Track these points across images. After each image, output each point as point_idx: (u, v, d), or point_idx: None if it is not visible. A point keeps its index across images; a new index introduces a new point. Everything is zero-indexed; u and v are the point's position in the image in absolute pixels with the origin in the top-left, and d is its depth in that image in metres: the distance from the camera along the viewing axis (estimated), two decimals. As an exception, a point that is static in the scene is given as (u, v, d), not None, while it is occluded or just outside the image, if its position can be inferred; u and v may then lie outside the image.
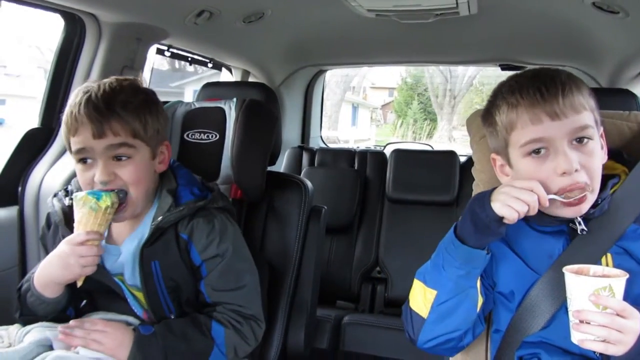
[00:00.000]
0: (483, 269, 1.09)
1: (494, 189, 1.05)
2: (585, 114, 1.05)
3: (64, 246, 1.20)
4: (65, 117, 1.24)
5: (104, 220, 1.20)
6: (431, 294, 1.09)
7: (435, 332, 1.11)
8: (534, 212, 1.01)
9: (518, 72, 1.15)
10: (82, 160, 1.23)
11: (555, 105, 1.03)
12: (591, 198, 1.05)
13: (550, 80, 1.05)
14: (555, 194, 1.03)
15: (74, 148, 1.23)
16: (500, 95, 1.11)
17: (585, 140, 1.05)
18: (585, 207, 1.05)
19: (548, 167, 1.04)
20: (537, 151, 1.06)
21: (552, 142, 1.04)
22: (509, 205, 1.00)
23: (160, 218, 1.27)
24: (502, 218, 1.01)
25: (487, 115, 1.15)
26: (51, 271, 1.21)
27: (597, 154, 1.06)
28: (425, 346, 1.13)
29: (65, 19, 1.80)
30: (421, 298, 1.11)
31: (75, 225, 1.21)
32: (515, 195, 1.00)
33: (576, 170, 1.02)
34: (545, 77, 1.06)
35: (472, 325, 1.13)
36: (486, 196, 1.04)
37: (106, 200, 1.19)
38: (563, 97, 1.03)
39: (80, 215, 1.20)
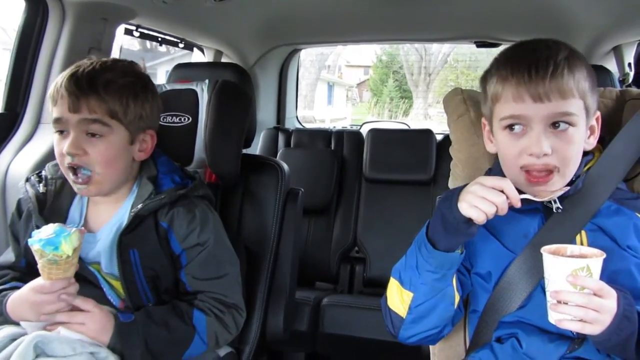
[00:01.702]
0: (458, 267, 1.09)
1: (463, 186, 1.02)
2: (572, 100, 1.03)
3: (32, 295, 1.13)
4: (51, 87, 1.24)
5: (69, 265, 1.13)
6: (408, 295, 1.08)
7: (415, 330, 1.12)
8: (502, 212, 0.97)
9: (525, 40, 1.11)
10: (60, 132, 1.23)
11: (540, 87, 1.01)
12: (559, 179, 1.05)
13: (544, 60, 1.02)
14: (521, 168, 1.05)
15: (52, 117, 1.23)
16: (496, 64, 1.10)
17: (565, 126, 1.03)
18: (551, 188, 1.05)
19: (521, 144, 1.04)
20: (512, 127, 1.06)
21: (530, 122, 1.03)
22: (475, 206, 0.97)
23: (140, 206, 1.24)
24: (470, 219, 0.99)
25: (482, 81, 1.14)
26: (24, 314, 1.16)
27: (576, 141, 1.05)
28: (406, 342, 1.14)
29: (27, -1, 1.73)
30: (398, 298, 1.10)
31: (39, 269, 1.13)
32: (482, 195, 0.97)
33: (546, 155, 1.02)
34: (541, 54, 1.03)
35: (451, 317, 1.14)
36: (454, 196, 1.01)
37: (66, 249, 1.10)
38: (550, 80, 1.01)
39: (40, 265, 1.12)
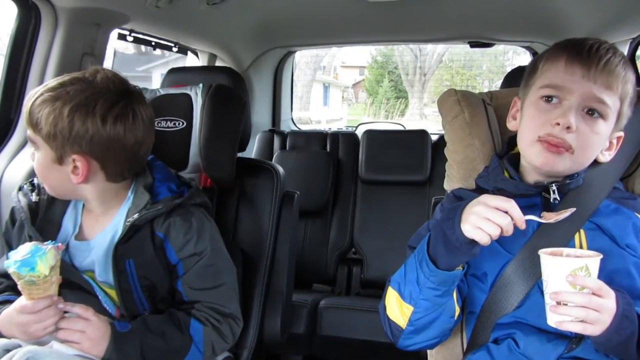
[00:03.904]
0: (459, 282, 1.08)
1: (465, 204, 1.00)
2: (613, 95, 1.05)
3: (17, 316, 1.12)
4: None
5: (49, 284, 1.10)
6: (408, 309, 1.07)
7: (414, 340, 1.11)
8: (507, 234, 0.96)
9: None
10: None
11: (593, 66, 1.04)
12: (568, 161, 1.06)
13: (605, 49, 1.06)
14: (538, 137, 1.06)
15: None
16: (554, 45, 1.13)
17: (596, 114, 1.05)
18: (559, 165, 1.06)
19: (550, 115, 1.06)
20: (549, 99, 1.08)
21: (568, 95, 1.06)
22: (479, 227, 0.95)
23: (136, 215, 1.22)
24: (473, 240, 0.97)
25: (531, 64, 1.17)
26: (14, 334, 1.15)
27: (600, 132, 1.07)
28: (405, 349, 1.14)
29: (19, 5, 1.72)
30: (398, 310, 1.10)
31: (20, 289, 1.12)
32: (486, 217, 0.95)
33: (568, 128, 1.03)
34: (602, 44, 1.07)
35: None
36: (456, 216, 0.99)
37: (42, 269, 1.07)
38: (604, 66, 1.04)
39: (20, 286, 1.10)
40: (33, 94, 1.19)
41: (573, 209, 1.02)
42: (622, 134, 1.13)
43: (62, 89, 1.17)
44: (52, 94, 1.16)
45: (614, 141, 1.13)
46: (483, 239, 0.95)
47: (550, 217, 1.01)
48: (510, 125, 1.21)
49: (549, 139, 1.05)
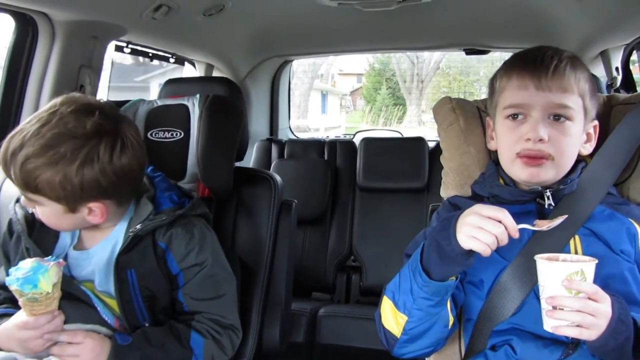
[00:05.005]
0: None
1: (459, 215, 1.01)
2: (572, 96, 1.09)
3: (17, 332, 1.11)
4: None
5: (51, 300, 1.09)
6: (402, 318, 1.08)
7: (409, 349, 1.12)
8: (502, 243, 0.96)
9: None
10: None
11: (543, 77, 1.08)
12: (551, 170, 1.09)
13: (550, 56, 1.10)
14: (516, 154, 1.09)
15: None
16: (504, 64, 1.18)
17: (562, 119, 1.09)
18: (543, 175, 1.09)
19: (520, 131, 1.10)
20: (515, 116, 1.12)
21: (530, 110, 1.09)
22: (474, 237, 0.96)
23: (139, 226, 1.22)
24: (469, 251, 0.98)
25: (490, 82, 1.22)
26: (13, 349, 1.15)
27: (573, 134, 1.10)
28: (401, 357, 1.15)
29: (16, 19, 1.74)
30: (392, 320, 1.10)
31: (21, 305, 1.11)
32: (479, 226, 0.95)
33: (541, 140, 1.06)
34: (547, 51, 1.12)
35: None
36: (451, 227, 1.00)
37: (45, 287, 1.06)
38: (553, 72, 1.08)
39: (21, 303, 1.09)
40: (14, 155, 1.11)
41: (565, 216, 1.03)
42: (596, 122, 1.17)
43: (53, 150, 1.10)
44: (46, 160, 1.10)
45: (591, 131, 1.16)
46: (480, 248, 0.96)
47: (543, 225, 1.02)
48: (490, 145, 1.24)
49: (527, 153, 1.09)
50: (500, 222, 0.95)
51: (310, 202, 2.75)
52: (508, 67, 1.15)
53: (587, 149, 1.16)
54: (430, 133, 3.18)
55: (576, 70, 1.10)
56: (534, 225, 1.02)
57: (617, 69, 2.32)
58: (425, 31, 2.71)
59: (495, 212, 0.96)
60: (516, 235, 0.96)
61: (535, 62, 1.10)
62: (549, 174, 1.09)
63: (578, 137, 1.12)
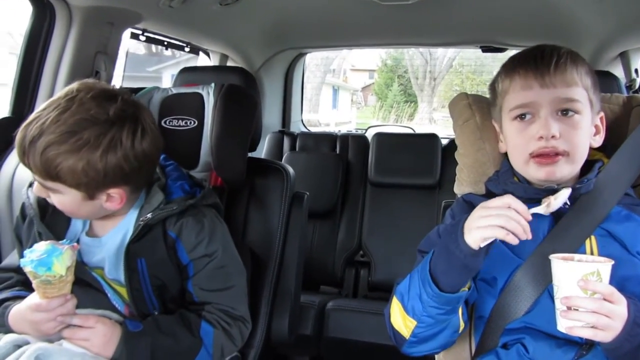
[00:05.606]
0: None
1: (465, 219, 1.00)
2: (577, 89, 1.09)
3: (29, 314, 1.11)
4: None
5: (64, 284, 1.10)
6: (411, 322, 1.07)
7: (418, 349, 1.12)
8: (518, 230, 0.93)
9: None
10: None
11: (546, 74, 1.08)
12: (567, 166, 1.08)
13: (549, 52, 1.10)
14: (530, 155, 1.09)
15: None
16: (504, 66, 1.18)
17: (571, 113, 1.09)
18: (559, 172, 1.08)
19: (530, 131, 1.09)
20: (522, 116, 1.11)
21: (538, 108, 1.09)
22: (485, 226, 0.94)
23: (149, 215, 1.22)
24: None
25: (491, 85, 1.22)
26: (25, 331, 1.15)
27: (584, 129, 1.10)
28: (410, 355, 1.14)
29: (34, 3, 1.74)
30: (401, 321, 1.09)
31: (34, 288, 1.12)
32: (488, 214, 0.95)
33: (553, 137, 1.06)
34: (546, 48, 1.11)
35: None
36: (459, 229, 0.98)
37: (59, 269, 1.07)
38: (555, 68, 1.08)
39: (35, 285, 1.10)
40: (33, 143, 1.09)
41: (569, 189, 1.04)
42: (602, 114, 1.17)
43: (76, 137, 1.09)
44: (68, 147, 1.09)
45: (598, 123, 1.16)
46: (495, 233, 0.94)
47: (548, 201, 1.03)
48: (500, 148, 1.23)
49: (541, 152, 1.08)
50: (509, 207, 0.95)
51: (321, 195, 2.75)
52: (509, 69, 1.15)
53: (597, 141, 1.15)
54: (441, 131, 3.16)
55: (577, 64, 1.11)
56: (542, 203, 1.03)
57: (636, 70, 2.30)
58: (442, 27, 2.68)
59: (502, 199, 0.96)
60: (529, 217, 0.95)
61: (536, 61, 1.10)
62: (565, 170, 1.09)
63: (587, 129, 1.12)
